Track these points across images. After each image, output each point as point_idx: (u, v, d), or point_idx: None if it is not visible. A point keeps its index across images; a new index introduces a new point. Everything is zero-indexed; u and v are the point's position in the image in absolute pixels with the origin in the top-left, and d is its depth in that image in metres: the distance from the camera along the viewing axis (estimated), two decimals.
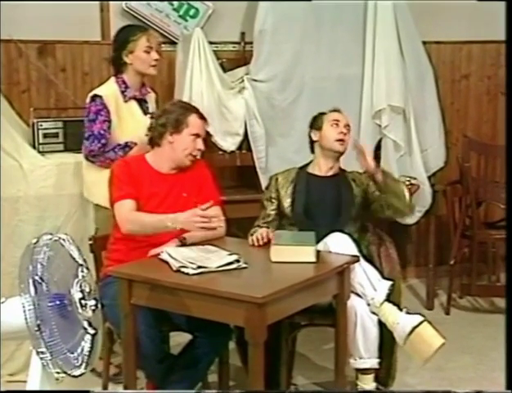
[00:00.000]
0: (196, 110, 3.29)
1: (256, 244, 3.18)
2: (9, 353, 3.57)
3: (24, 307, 1.93)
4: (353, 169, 3.58)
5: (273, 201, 3.50)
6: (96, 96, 3.55)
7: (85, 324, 2.01)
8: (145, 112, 3.68)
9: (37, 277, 1.94)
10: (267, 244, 3.13)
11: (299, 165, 3.58)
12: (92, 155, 3.53)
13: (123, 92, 3.61)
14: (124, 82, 3.62)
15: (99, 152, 3.52)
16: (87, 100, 3.60)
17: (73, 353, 1.97)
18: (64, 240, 2.05)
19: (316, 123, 3.55)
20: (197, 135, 3.24)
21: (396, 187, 3.36)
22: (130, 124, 3.60)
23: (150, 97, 3.78)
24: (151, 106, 3.76)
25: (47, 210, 3.72)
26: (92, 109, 3.53)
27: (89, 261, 3.59)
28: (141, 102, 3.70)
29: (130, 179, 3.17)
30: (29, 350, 2.17)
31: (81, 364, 1.99)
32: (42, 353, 1.91)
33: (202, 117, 3.28)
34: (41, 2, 4.23)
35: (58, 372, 1.95)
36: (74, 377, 1.98)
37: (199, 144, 3.25)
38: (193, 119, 3.23)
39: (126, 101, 3.61)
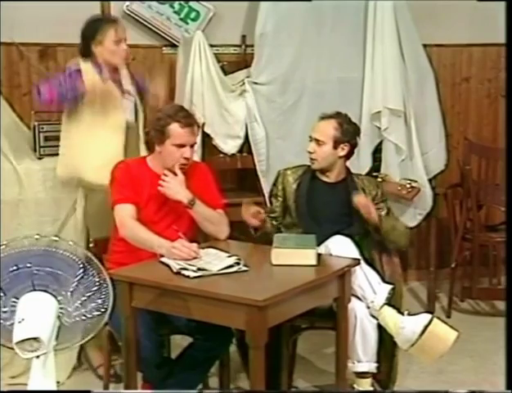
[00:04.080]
0: (178, 119, 3.07)
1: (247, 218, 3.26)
2: (9, 356, 3.57)
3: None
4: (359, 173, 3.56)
5: (279, 198, 3.50)
6: (77, 70, 3.46)
7: None
8: (123, 92, 3.62)
9: None
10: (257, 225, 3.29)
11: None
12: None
13: (99, 73, 3.52)
14: (98, 63, 3.53)
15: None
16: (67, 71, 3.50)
17: None
18: None
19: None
20: (181, 145, 3.09)
21: (392, 233, 3.35)
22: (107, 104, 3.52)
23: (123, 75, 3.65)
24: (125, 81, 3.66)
25: (44, 215, 3.72)
26: (72, 75, 3.44)
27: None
28: (117, 83, 3.60)
29: (130, 182, 3.15)
30: None
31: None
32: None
33: (187, 124, 3.07)
34: (42, 3, 4.24)
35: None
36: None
37: (187, 153, 3.09)
38: (174, 128, 3.06)
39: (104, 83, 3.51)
